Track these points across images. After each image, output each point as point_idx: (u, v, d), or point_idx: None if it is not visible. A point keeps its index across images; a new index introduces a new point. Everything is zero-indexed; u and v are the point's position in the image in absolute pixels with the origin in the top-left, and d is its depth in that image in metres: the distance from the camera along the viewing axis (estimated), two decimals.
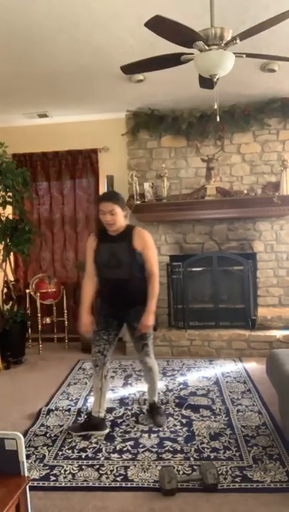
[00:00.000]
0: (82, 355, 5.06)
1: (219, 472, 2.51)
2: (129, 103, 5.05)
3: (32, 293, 5.37)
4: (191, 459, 2.71)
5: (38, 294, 5.32)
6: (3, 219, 4.79)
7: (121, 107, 5.15)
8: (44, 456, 2.81)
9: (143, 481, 2.50)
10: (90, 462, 2.72)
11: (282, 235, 5.15)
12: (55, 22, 3.11)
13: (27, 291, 5.42)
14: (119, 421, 3.27)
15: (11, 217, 4.91)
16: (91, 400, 3.68)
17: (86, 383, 4.11)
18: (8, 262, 4.98)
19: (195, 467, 2.61)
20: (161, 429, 3.11)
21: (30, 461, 2.74)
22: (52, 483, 2.51)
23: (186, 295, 5.10)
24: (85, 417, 3.30)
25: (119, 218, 2.86)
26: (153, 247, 2.96)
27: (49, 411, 3.47)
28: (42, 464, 2.71)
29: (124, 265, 2.87)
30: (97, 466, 2.66)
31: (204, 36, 2.37)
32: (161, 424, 3.16)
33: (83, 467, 2.66)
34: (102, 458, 2.76)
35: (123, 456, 2.77)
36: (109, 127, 5.40)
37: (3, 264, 4.92)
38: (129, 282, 2.91)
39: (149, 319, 2.91)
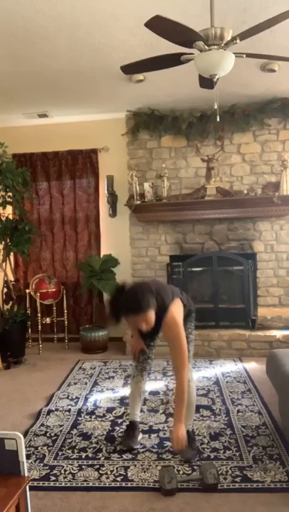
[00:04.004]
0: (82, 355, 5.06)
1: (219, 472, 2.51)
2: (129, 103, 5.05)
3: (32, 293, 5.37)
4: None
5: (38, 294, 5.32)
6: (3, 219, 4.79)
7: (121, 107, 5.15)
8: (44, 456, 2.81)
9: (143, 481, 2.50)
10: (90, 462, 2.72)
11: (282, 235, 5.15)
12: (54, 22, 3.11)
13: (27, 291, 5.42)
14: (119, 421, 3.27)
15: (11, 217, 4.91)
16: (92, 399, 3.70)
17: (86, 383, 4.11)
18: (8, 262, 4.99)
19: (195, 467, 2.61)
20: (161, 428, 3.11)
21: (30, 461, 2.74)
22: (52, 483, 2.51)
23: None
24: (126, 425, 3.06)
25: (153, 320, 2.47)
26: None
27: (49, 411, 3.47)
28: (42, 464, 2.71)
29: None
30: (97, 466, 2.66)
31: (204, 36, 2.37)
32: (189, 458, 2.67)
33: (83, 467, 2.66)
34: (102, 458, 2.76)
35: (123, 456, 2.77)
36: (109, 127, 5.40)
37: (3, 264, 4.92)
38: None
39: (180, 430, 2.39)
